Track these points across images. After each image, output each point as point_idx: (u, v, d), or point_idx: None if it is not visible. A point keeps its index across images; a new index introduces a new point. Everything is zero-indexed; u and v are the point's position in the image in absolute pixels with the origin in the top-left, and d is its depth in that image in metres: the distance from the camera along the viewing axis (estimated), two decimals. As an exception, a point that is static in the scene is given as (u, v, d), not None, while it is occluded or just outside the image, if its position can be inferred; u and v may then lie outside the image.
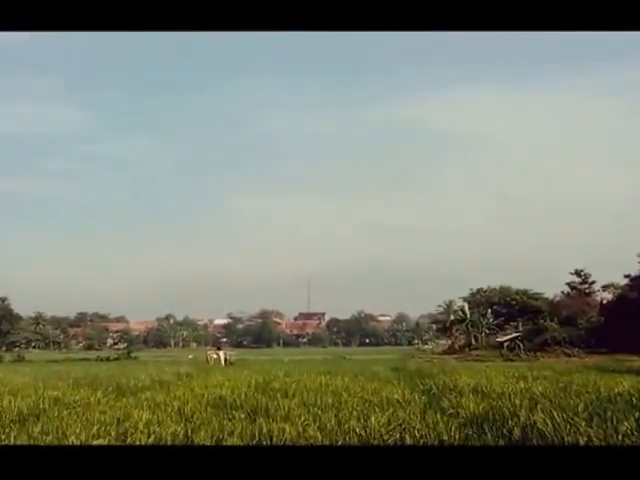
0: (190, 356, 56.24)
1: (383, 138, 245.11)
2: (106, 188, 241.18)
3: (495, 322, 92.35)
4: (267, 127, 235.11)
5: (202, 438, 9.96)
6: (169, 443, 9.68)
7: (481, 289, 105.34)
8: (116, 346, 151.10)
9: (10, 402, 16.23)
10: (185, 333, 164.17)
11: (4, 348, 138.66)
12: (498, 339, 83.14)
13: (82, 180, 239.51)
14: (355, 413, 13.14)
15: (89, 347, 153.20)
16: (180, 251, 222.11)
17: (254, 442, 9.98)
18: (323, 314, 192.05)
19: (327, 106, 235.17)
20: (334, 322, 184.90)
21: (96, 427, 11.31)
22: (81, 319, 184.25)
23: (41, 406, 16.15)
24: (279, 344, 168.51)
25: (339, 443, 10.12)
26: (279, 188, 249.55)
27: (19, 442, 9.98)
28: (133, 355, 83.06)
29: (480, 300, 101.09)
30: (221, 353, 52.66)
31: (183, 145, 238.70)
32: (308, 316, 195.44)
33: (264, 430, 10.72)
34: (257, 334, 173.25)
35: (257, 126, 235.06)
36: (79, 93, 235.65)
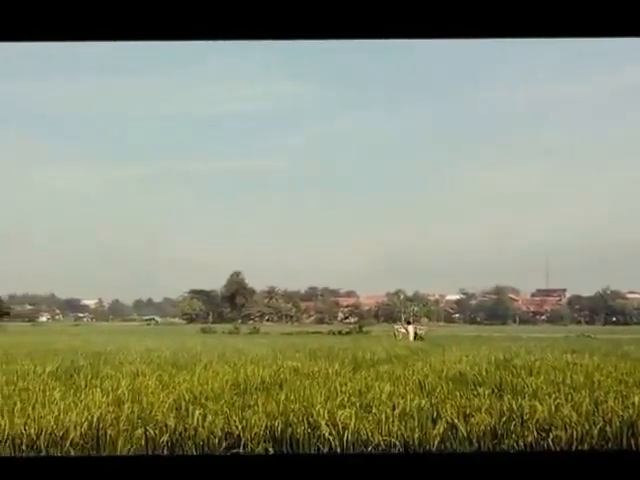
0: (421, 332, 56.44)
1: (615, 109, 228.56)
2: (332, 162, 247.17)
3: None
4: (492, 97, 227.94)
5: (449, 412, 9.97)
6: (415, 415, 9.78)
7: None
8: (346, 320, 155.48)
9: (253, 371, 17.30)
10: (416, 308, 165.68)
11: (239, 321, 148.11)
12: None
13: (310, 155, 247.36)
14: (612, 393, 12.50)
15: (320, 321, 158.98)
16: (411, 225, 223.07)
17: (503, 419, 9.81)
18: (564, 290, 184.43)
19: (550, 76, 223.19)
20: (576, 299, 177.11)
21: (340, 397, 11.71)
22: (312, 293, 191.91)
23: (282, 376, 17.05)
24: (515, 321, 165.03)
25: (598, 425, 9.69)
26: (506, 160, 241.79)
27: (268, 408, 10.57)
28: (365, 329, 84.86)
29: None
30: (410, 328, 51.74)
31: (407, 116, 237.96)
32: (547, 292, 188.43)
33: (513, 407, 10.51)
34: (491, 310, 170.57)
35: (483, 96, 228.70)
36: (302, 67, 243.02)
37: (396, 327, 57.69)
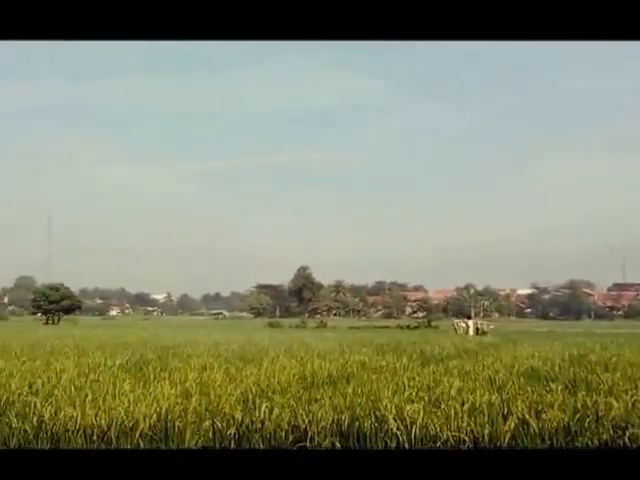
0: (491, 326, 56.75)
1: None
2: (402, 157, 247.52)
3: None
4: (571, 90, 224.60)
5: (519, 408, 9.84)
6: (485, 411, 9.67)
7: None
8: (415, 315, 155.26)
9: (320, 365, 17.41)
10: (486, 303, 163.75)
11: (306, 315, 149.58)
12: None
13: (379, 150, 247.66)
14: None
15: (388, 315, 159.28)
16: (481, 220, 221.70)
17: (577, 416, 9.61)
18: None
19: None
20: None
21: (408, 392, 11.68)
22: (379, 288, 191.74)
23: (349, 370, 17.14)
24: (590, 316, 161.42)
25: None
26: (583, 154, 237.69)
27: (335, 402, 10.60)
28: (433, 324, 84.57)
29: None
30: (470, 322, 52.78)
31: (473, 111, 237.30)
32: (624, 287, 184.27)
33: (588, 403, 10.31)
34: (565, 305, 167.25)
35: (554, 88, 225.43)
36: (376, 62, 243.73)
37: (456, 321, 58.98)
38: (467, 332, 50.29)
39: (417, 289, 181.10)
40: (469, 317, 58.63)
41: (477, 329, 52.02)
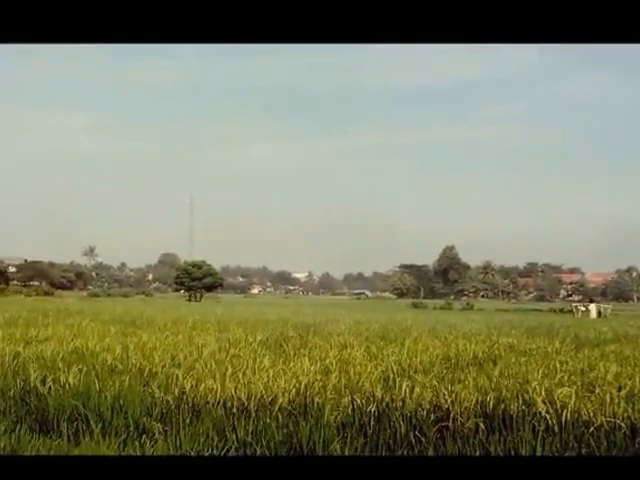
0: (606, 310, 56.39)
1: None
2: (558, 131, 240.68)
3: None
4: None
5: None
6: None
7: None
8: (570, 298, 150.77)
9: (465, 346, 17.26)
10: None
11: (452, 296, 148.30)
12: None
13: (533, 123, 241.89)
14: None
15: (540, 298, 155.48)
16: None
17: None
18: None
19: None
20: None
21: (559, 375, 11.43)
22: (531, 270, 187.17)
23: (496, 352, 16.93)
24: None
25: None
26: None
27: (480, 383, 10.53)
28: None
29: None
30: (592, 306, 53.55)
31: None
32: None
33: None
34: None
35: None
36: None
37: (574, 305, 59.61)
38: (587, 315, 51.65)
39: (573, 271, 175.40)
40: (591, 300, 59.50)
41: (599, 312, 53.37)
